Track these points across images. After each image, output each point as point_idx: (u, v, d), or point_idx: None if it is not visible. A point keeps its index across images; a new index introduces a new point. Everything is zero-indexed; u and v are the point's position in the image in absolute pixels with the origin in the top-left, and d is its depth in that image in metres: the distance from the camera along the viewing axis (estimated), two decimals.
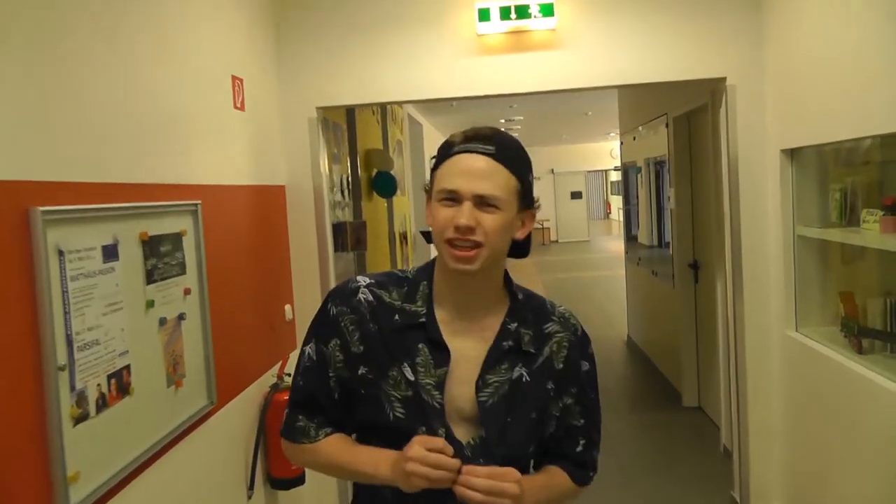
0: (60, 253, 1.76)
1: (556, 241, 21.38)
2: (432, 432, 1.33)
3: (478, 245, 1.32)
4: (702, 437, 5.06)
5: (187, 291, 2.44)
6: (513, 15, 3.56)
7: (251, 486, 2.99)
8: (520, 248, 1.44)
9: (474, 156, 1.33)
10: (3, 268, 1.62)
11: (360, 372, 1.39)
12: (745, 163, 3.60)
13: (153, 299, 2.21)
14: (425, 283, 1.43)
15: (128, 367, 2.04)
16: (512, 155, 1.36)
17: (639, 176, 7.40)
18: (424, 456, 1.24)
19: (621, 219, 9.52)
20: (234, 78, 3.04)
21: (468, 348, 1.39)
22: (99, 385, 1.89)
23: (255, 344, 3.17)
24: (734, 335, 3.74)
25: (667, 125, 5.87)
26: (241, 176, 3.12)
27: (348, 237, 4.39)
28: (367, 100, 3.79)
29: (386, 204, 6.55)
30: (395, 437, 1.33)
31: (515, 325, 1.42)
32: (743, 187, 3.61)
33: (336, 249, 4.02)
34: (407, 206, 7.93)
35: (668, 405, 5.85)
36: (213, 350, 2.58)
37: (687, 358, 5.70)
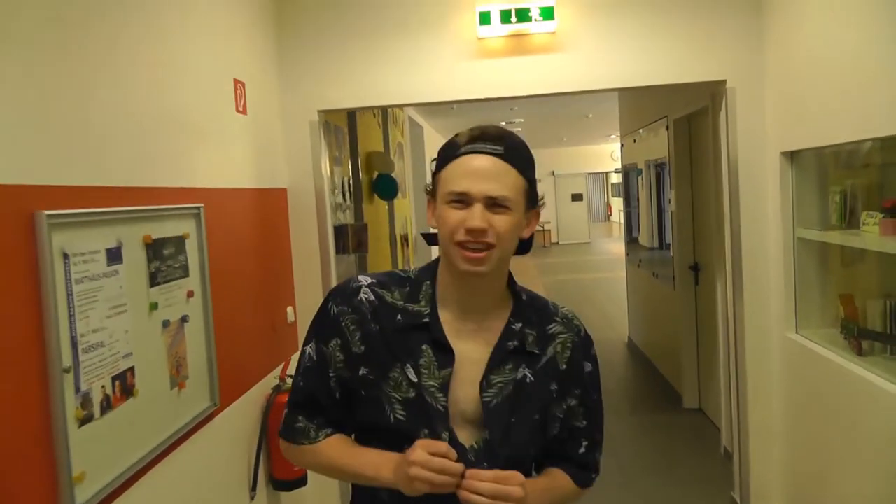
0: (65, 256, 1.78)
1: (557, 243, 21.39)
2: (435, 435, 1.31)
3: (489, 247, 1.30)
4: (702, 439, 5.07)
5: (190, 294, 2.46)
6: (513, 18, 3.57)
7: (254, 487, 3.00)
8: (522, 245, 1.43)
9: (482, 156, 1.31)
10: (9, 271, 1.63)
11: (360, 373, 1.37)
12: (746, 165, 3.61)
13: (157, 302, 2.23)
14: (428, 283, 1.41)
15: (132, 369, 2.05)
16: (520, 155, 1.35)
17: (639, 178, 7.42)
18: (428, 460, 1.23)
19: (622, 221, 9.53)
20: (235, 81, 3.06)
21: (471, 349, 1.37)
22: (103, 387, 1.91)
23: (257, 346, 3.18)
24: (734, 337, 3.75)
25: (667, 127, 5.88)
26: (243, 179, 3.13)
27: (350, 240, 4.41)
28: (368, 103, 3.80)
29: (387, 206, 6.57)
30: (396, 439, 1.32)
31: (520, 325, 1.41)
32: (743, 190, 3.62)
33: (337, 252, 4.03)
34: (408, 209, 7.95)
35: (668, 407, 5.86)
36: (215, 352, 2.59)
37: (687, 359, 5.72)
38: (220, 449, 2.74)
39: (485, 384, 1.36)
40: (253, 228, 3.20)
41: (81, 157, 1.92)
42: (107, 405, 1.92)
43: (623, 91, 5.11)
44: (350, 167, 5.12)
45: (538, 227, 1.47)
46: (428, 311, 1.38)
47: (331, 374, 1.40)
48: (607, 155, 19.99)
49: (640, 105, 7.00)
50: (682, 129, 5.66)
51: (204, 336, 2.55)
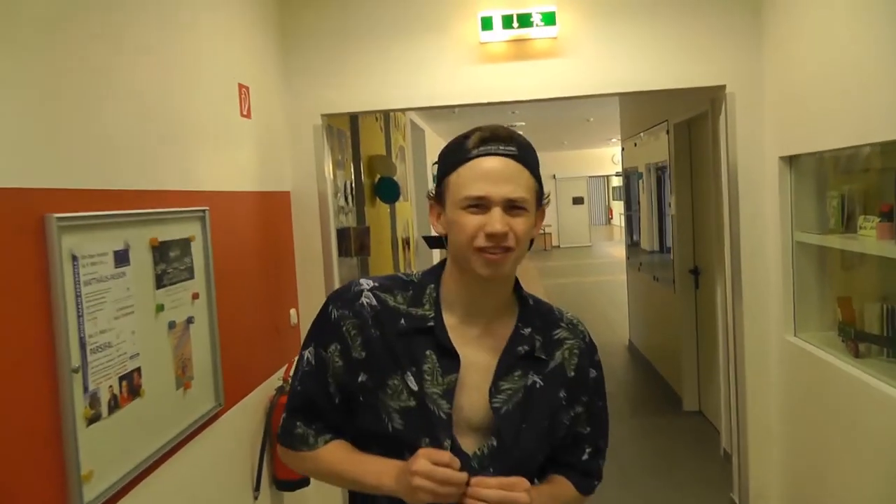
0: (74, 258, 1.81)
1: (558, 247, 21.40)
2: (437, 444, 1.28)
3: (508, 250, 1.28)
4: (702, 441, 5.10)
5: (195, 296, 2.49)
6: (515, 23, 3.60)
7: (257, 487, 3.03)
8: None
9: (496, 158, 1.28)
10: (20, 273, 1.66)
11: (359, 379, 1.34)
12: (745, 169, 3.64)
13: (163, 303, 2.26)
14: (432, 286, 1.38)
15: (138, 370, 2.08)
16: (530, 154, 1.33)
17: (640, 182, 7.44)
18: (431, 471, 1.20)
19: (623, 224, 9.55)
20: (240, 86, 3.09)
21: (477, 354, 1.34)
22: (111, 387, 1.94)
23: (260, 347, 3.21)
24: (734, 340, 3.78)
25: (668, 132, 5.91)
26: (248, 182, 3.16)
27: (352, 242, 4.44)
28: (371, 107, 3.84)
29: (389, 209, 6.60)
30: (396, 447, 1.30)
31: (529, 330, 1.38)
32: (742, 194, 3.65)
33: (340, 255, 4.06)
34: (409, 212, 7.98)
35: (668, 409, 5.88)
36: (220, 353, 2.62)
37: (687, 362, 5.74)
38: (225, 449, 2.77)
39: (493, 390, 1.33)
40: (257, 231, 3.23)
41: (90, 161, 1.95)
42: (114, 405, 1.95)
43: (624, 95, 5.14)
44: (352, 170, 5.15)
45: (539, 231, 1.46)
46: (432, 314, 1.35)
47: (329, 380, 1.37)
48: (608, 158, 20.00)
49: (640, 109, 7.03)
50: (683, 134, 5.69)
51: (209, 337, 2.58)
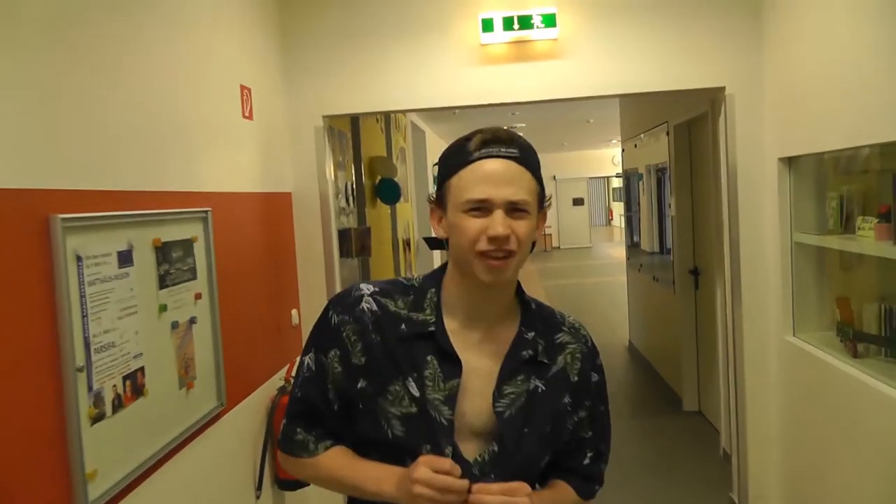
0: (79, 259, 1.82)
1: (559, 248, 21.42)
2: (438, 450, 1.27)
3: (510, 254, 1.26)
4: (702, 442, 5.11)
5: (198, 296, 2.51)
6: (515, 25, 3.62)
7: (259, 486, 3.04)
8: None
9: (498, 160, 1.27)
10: (25, 273, 1.68)
11: (359, 385, 1.33)
12: (744, 171, 3.65)
13: (166, 303, 2.27)
14: (433, 290, 1.36)
15: (142, 369, 2.10)
16: (531, 156, 1.31)
17: (640, 183, 7.46)
18: (432, 479, 1.19)
19: (623, 225, 9.56)
20: (242, 88, 3.11)
21: (478, 359, 1.33)
22: (115, 386, 1.95)
23: (262, 347, 3.23)
24: (733, 340, 3.79)
25: (668, 133, 5.93)
26: (250, 183, 3.18)
27: (353, 243, 4.46)
28: (372, 108, 3.85)
29: (389, 210, 6.61)
30: (396, 453, 1.30)
31: (532, 334, 1.37)
32: (742, 195, 3.67)
33: (341, 255, 4.07)
34: (410, 213, 7.99)
35: (668, 410, 5.90)
36: (222, 353, 2.64)
37: (687, 363, 5.75)
38: (227, 448, 2.78)
39: (497, 395, 1.31)
40: (259, 232, 3.25)
41: (94, 162, 1.97)
42: (118, 404, 1.96)
43: (624, 97, 5.16)
44: (353, 172, 5.17)
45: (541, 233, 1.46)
46: (433, 319, 1.33)
47: (329, 386, 1.36)
48: (608, 160, 20.02)
49: (640, 110, 7.04)
50: (683, 135, 5.71)
51: (211, 337, 2.60)
